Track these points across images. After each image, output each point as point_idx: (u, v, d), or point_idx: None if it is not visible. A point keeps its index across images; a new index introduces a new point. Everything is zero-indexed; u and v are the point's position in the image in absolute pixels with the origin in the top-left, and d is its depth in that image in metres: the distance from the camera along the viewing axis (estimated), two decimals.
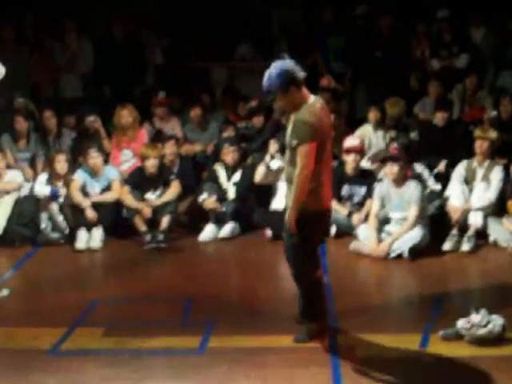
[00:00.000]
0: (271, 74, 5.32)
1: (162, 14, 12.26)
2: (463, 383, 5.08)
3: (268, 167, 8.48)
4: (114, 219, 8.43)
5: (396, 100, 9.50)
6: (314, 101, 5.44)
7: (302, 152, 5.26)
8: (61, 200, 8.42)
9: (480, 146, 8.07)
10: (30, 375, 5.27)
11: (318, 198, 5.42)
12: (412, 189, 7.68)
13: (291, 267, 5.61)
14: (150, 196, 8.48)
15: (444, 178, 8.41)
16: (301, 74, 5.37)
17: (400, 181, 7.72)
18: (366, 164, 8.84)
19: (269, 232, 8.15)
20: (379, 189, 7.85)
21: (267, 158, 8.57)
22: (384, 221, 7.78)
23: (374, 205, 7.81)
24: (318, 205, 5.42)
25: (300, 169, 5.27)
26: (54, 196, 8.38)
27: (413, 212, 7.60)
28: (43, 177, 8.57)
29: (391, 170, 7.72)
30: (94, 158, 8.56)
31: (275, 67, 5.34)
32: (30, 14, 11.29)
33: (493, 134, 8.15)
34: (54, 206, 8.36)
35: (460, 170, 8.13)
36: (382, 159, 8.13)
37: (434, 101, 9.93)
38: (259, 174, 8.52)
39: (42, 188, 8.43)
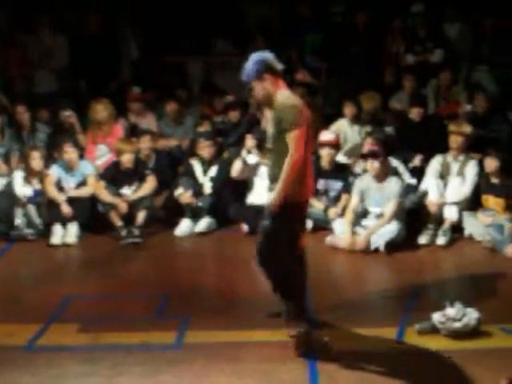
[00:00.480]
0: (248, 63, 5.49)
1: (138, 8, 12.19)
2: (439, 376, 5.10)
3: (245, 162, 8.47)
4: (90, 214, 8.37)
5: (372, 94, 9.50)
6: (291, 93, 5.53)
7: (293, 136, 5.29)
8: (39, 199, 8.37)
9: (455, 141, 8.10)
10: (5, 372, 5.22)
11: (301, 190, 5.43)
12: (393, 184, 7.70)
13: (260, 253, 5.59)
14: (126, 191, 8.44)
15: (419, 173, 8.43)
16: (278, 65, 5.50)
17: (382, 176, 7.73)
18: (342, 158, 8.85)
19: (245, 227, 8.15)
20: (359, 184, 7.86)
21: (244, 152, 8.56)
22: (361, 215, 7.80)
23: (352, 199, 7.82)
24: (299, 196, 5.44)
25: (291, 154, 5.28)
26: (36, 195, 8.30)
27: (391, 207, 7.62)
28: (19, 175, 8.44)
29: (372, 165, 7.72)
30: (69, 152, 8.49)
31: (252, 58, 5.50)
32: (3, 8, 11.18)
33: (467, 129, 8.19)
34: (31, 205, 8.29)
35: (435, 164, 8.16)
36: (362, 155, 8.11)
37: (408, 95, 9.96)
38: (236, 168, 8.50)
39: (22, 189, 8.32)
